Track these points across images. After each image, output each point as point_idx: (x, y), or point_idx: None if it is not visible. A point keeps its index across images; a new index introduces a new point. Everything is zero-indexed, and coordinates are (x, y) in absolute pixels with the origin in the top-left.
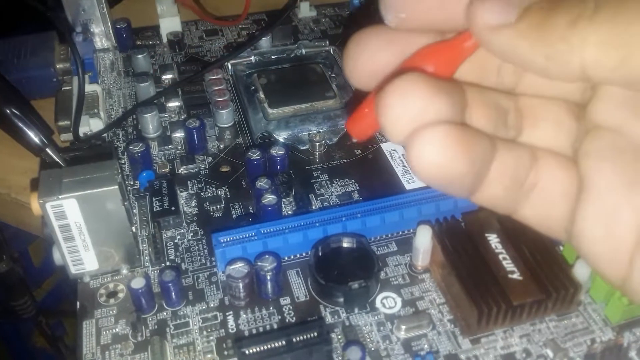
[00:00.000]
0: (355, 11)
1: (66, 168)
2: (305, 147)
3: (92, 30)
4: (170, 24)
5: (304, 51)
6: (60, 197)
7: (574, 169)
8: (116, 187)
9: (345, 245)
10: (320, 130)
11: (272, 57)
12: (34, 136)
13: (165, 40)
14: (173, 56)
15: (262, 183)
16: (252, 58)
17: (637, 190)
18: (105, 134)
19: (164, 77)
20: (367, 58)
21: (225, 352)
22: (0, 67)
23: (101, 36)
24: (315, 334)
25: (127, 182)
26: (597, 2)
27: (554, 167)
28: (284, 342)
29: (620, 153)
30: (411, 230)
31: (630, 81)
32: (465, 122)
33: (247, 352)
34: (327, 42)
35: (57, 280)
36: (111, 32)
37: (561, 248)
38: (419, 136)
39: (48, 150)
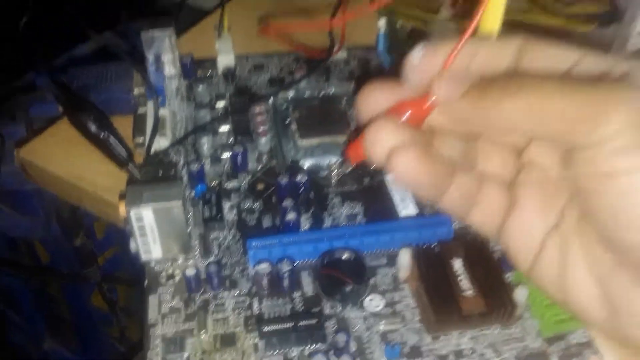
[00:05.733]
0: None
1: (147, 185)
2: (324, 174)
3: (162, 60)
4: (225, 58)
5: (332, 90)
6: (141, 206)
7: (507, 193)
8: (181, 201)
9: (345, 257)
10: (338, 160)
11: (306, 93)
12: (120, 154)
13: (220, 72)
14: (226, 86)
15: (287, 203)
16: (290, 94)
17: (548, 211)
18: (169, 150)
19: (217, 104)
20: (372, 101)
21: (249, 327)
22: (90, 90)
23: (169, 64)
24: (316, 321)
25: (185, 192)
26: (520, 84)
27: (494, 191)
28: (292, 325)
29: (542, 185)
30: (398, 249)
31: (542, 138)
32: (431, 151)
33: (264, 329)
34: (353, 84)
35: (113, 253)
36: (177, 62)
37: (510, 275)
38: (396, 153)
39: (130, 164)
